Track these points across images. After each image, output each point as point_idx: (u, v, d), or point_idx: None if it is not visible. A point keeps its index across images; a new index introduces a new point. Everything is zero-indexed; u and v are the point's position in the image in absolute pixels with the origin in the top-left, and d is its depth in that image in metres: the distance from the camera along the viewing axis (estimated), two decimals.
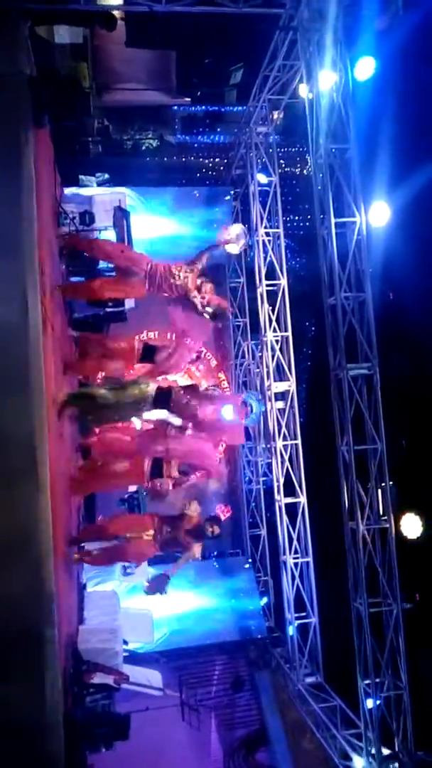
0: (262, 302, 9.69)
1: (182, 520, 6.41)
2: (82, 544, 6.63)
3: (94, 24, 7.74)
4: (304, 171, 12.71)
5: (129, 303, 8.30)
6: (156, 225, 11.12)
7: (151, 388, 5.83)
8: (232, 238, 6.54)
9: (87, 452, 6.84)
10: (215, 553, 11.51)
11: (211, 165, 12.71)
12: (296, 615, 9.29)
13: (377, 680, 7.28)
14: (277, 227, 9.78)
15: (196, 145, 12.90)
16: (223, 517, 6.70)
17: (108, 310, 7.80)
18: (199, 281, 6.41)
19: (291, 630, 9.36)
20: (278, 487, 9.39)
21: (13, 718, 4.13)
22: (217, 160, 12.63)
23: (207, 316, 6.48)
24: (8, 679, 4.10)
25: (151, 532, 6.33)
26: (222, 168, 12.32)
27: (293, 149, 12.67)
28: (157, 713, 7.63)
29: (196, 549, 6.36)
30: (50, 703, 4.31)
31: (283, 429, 9.50)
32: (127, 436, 6.53)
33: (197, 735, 8.90)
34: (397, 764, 7.03)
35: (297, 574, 9.23)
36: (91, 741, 5.40)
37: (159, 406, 5.85)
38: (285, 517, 9.29)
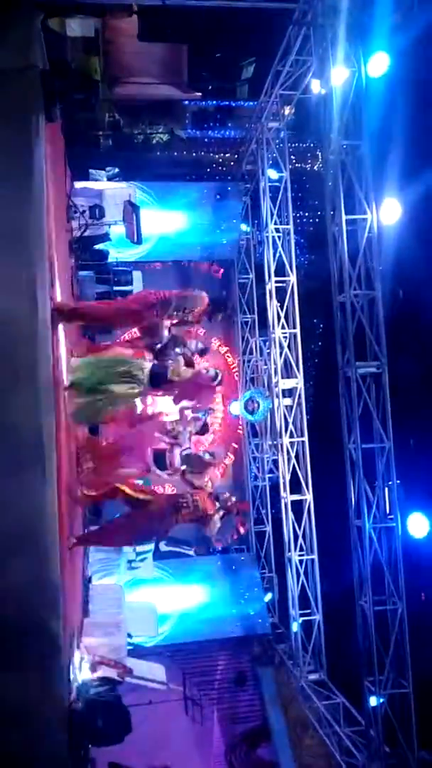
0: (271, 299, 9.67)
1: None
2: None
3: (109, 12, 7.68)
4: (315, 167, 12.65)
5: None
6: (165, 219, 11.12)
7: (147, 366, 5.72)
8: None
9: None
10: (220, 549, 11.54)
11: (221, 160, 12.66)
12: (300, 612, 9.29)
13: (381, 678, 7.28)
14: (287, 223, 9.74)
15: (206, 140, 12.84)
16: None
17: None
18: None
19: (295, 626, 9.37)
20: (284, 484, 9.38)
21: (19, 709, 4.15)
22: (227, 155, 12.57)
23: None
24: (14, 669, 4.12)
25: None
26: (232, 163, 12.27)
27: (304, 145, 12.61)
28: (160, 707, 7.65)
29: (216, 517, 6.26)
30: (55, 694, 4.34)
31: (290, 426, 9.48)
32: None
33: (199, 729, 8.94)
34: None
35: (302, 571, 9.23)
36: (94, 734, 5.41)
37: (155, 384, 5.77)
38: (291, 514, 9.29)
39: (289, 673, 9.63)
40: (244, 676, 10.18)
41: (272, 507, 11.19)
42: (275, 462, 10.13)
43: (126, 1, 7.47)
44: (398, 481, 7.46)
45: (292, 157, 11.23)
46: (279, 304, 9.63)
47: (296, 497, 9.35)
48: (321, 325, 12.68)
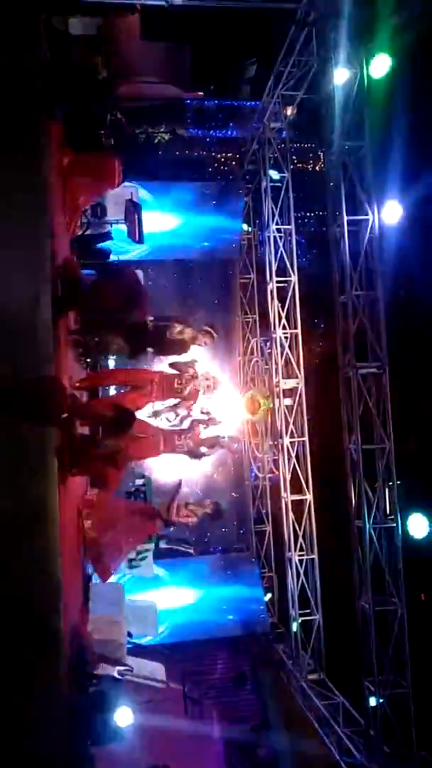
0: (272, 299, 9.67)
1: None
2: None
3: (112, 11, 7.68)
4: (317, 167, 12.68)
5: None
6: (166, 219, 11.11)
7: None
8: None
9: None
10: (220, 548, 11.54)
11: (223, 160, 12.69)
12: (300, 611, 9.30)
13: (380, 678, 7.29)
14: (289, 224, 9.75)
15: (208, 139, 12.87)
16: None
17: None
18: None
19: (294, 626, 9.38)
20: (284, 483, 9.38)
21: (19, 706, 4.16)
22: (229, 155, 12.61)
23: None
24: (14, 666, 4.13)
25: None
26: (234, 163, 12.30)
27: (306, 145, 12.65)
28: (160, 706, 7.65)
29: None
30: (54, 692, 4.35)
31: (291, 426, 9.49)
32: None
33: (199, 728, 8.93)
34: None
35: (302, 571, 9.24)
36: (94, 732, 5.41)
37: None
38: (291, 514, 9.30)
39: (289, 673, 9.63)
40: (243, 676, 10.18)
41: (272, 506, 11.19)
42: (275, 462, 10.14)
43: (129, 0, 7.48)
44: (398, 482, 7.48)
45: (294, 157, 11.23)
46: (280, 305, 9.64)
47: (296, 497, 9.36)
48: (322, 326, 12.70)
